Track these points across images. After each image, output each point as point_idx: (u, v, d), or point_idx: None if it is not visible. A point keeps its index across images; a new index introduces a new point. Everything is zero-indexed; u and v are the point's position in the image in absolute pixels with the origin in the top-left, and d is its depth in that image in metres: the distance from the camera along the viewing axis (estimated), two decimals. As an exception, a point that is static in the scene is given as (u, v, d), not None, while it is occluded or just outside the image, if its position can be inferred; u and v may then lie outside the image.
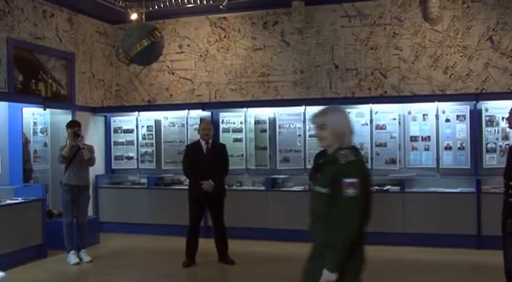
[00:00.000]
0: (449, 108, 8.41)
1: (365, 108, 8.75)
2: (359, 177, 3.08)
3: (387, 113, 8.67)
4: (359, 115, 8.78)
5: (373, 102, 8.75)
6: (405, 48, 9.23)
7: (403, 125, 8.60)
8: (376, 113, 8.69)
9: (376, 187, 8.37)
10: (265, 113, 9.30)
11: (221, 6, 9.27)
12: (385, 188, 8.40)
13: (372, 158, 8.57)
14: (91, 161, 7.67)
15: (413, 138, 8.56)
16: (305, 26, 9.64)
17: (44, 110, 8.40)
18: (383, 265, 6.99)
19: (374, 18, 9.38)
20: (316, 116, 3.32)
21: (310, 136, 8.94)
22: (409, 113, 8.60)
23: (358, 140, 8.55)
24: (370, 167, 8.21)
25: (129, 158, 10.00)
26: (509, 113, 4.88)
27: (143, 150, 9.95)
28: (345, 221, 3.05)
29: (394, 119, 8.60)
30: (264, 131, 9.26)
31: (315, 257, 3.28)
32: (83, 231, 7.56)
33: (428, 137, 8.48)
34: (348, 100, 9.18)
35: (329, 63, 9.63)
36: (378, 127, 8.68)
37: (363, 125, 8.73)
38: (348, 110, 8.51)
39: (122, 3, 9.48)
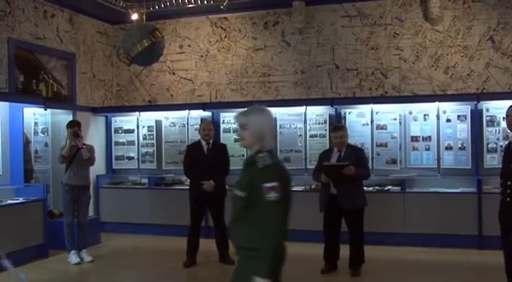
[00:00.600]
0: (450, 108, 8.41)
1: (366, 108, 8.75)
2: (278, 181, 3.02)
3: (388, 113, 8.67)
4: (360, 115, 8.78)
5: (373, 102, 8.74)
6: (406, 48, 9.22)
7: (404, 125, 8.59)
8: (376, 113, 8.69)
9: (377, 187, 8.39)
10: (266, 113, 9.26)
11: (222, 7, 9.27)
12: (385, 188, 8.40)
13: (372, 158, 8.55)
14: (90, 161, 7.67)
15: (414, 138, 8.55)
16: (305, 26, 9.64)
17: (45, 110, 8.41)
18: (384, 265, 7.00)
19: (375, 18, 9.38)
20: (239, 115, 3.24)
21: (311, 136, 8.96)
22: (410, 113, 8.59)
23: (359, 140, 8.56)
24: (370, 167, 8.19)
25: (130, 158, 10.00)
26: (506, 114, 4.87)
27: (144, 150, 9.95)
28: (273, 226, 2.99)
29: (395, 119, 8.60)
30: (265, 131, 9.22)
31: (238, 260, 3.22)
32: (83, 231, 7.56)
33: (429, 137, 8.48)
34: (349, 100, 9.18)
35: (330, 63, 9.63)
36: (379, 127, 8.67)
37: (363, 125, 8.74)
38: (348, 110, 8.68)
39: (123, 3, 9.49)
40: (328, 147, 7.36)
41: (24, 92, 8.74)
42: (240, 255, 3.18)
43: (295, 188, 8.81)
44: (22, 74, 8.76)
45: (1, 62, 8.23)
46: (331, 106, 8.85)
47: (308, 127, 9.00)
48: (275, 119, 9.17)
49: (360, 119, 8.78)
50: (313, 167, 7.20)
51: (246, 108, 3.24)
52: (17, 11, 8.56)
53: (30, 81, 8.94)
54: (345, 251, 6.56)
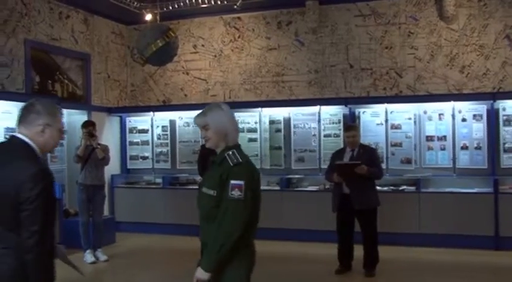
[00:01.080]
0: (466, 108, 8.33)
1: (380, 108, 8.71)
2: (246, 180, 3.00)
3: (402, 112, 8.61)
4: (374, 115, 8.75)
5: (388, 102, 8.70)
6: (420, 47, 9.16)
7: (419, 125, 8.54)
8: (391, 112, 8.64)
9: (392, 187, 8.34)
10: (279, 113, 9.29)
11: (235, 6, 9.27)
12: (400, 188, 8.35)
13: (387, 158, 8.52)
14: (105, 160, 7.72)
15: (429, 138, 8.49)
16: (319, 25, 9.62)
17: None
18: (398, 266, 6.97)
19: (389, 17, 9.33)
20: (197, 117, 3.24)
21: (325, 136, 8.93)
22: (425, 112, 8.53)
23: (373, 140, 8.53)
24: (384, 167, 8.16)
25: (145, 158, 10.04)
26: None
27: (158, 150, 9.99)
28: (227, 223, 2.96)
29: (410, 119, 8.55)
30: (279, 130, 9.25)
31: None
32: (99, 231, 7.60)
33: (444, 136, 8.41)
34: (363, 100, 9.14)
35: (344, 63, 9.59)
36: (393, 127, 8.62)
37: (378, 124, 8.69)
38: (363, 110, 8.64)
39: (137, 4, 9.52)
40: (342, 146, 7.34)
41: (40, 92, 8.81)
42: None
43: (309, 188, 8.83)
44: (38, 75, 8.84)
45: (18, 63, 8.30)
46: (345, 106, 8.82)
47: (322, 127, 8.97)
48: (289, 119, 9.17)
49: (374, 118, 8.74)
50: (327, 166, 7.18)
51: (203, 109, 3.24)
52: (33, 13, 8.63)
53: (46, 82, 9.01)
54: (359, 251, 6.53)
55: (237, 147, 3.15)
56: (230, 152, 3.09)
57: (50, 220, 2.72)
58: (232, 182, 2.97)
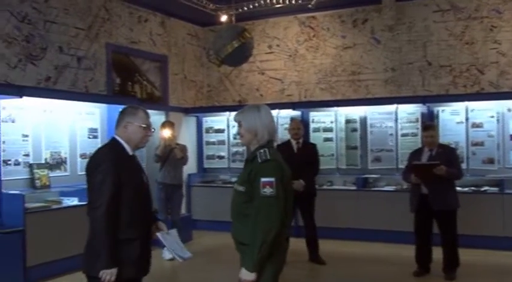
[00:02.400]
0: (553, 105, 7.94)
1: (460, 106, 8.43)
2: (276, 176, 3.05)
3: (484, 110, 8.29)
4: (454, 113, 8.48)
5: (468, 100, 8.39)
6: (504, 41, 8.79)
7: (502, 123, 8.19)
8: (472, 110, 8.34)
9: (473, 188, 8.05)
10: (355, 112, 9.18)
11: (310, 6, 9.23)
12: (482, 189, 8.04)
13: (467, 158, 8.24)
14: (184, 160, 7.89)
15: (513, 137, 8.15)
16: (396, 22, 9.43)
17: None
18: (480, 270, 6.72)
19: (469, 11, 9.01)
20: (236, 114, 3.41)
21: (402, 135, 8.75)
22: (509, 110, 8.17)
23: (453, 139, 8.28)
24: (465, 167, 7.90)
25: (221, 157, 10.19)
26: None
27: (234, 149, 10.10)
28: (263, 221, 3.01)
29: (492, 117, 8.22)
30: (355, 130, 9.15)
31: (240, 256, 3.27)
32: (176, 229, 7.76)
33: (530, 135, 8.05)
34: (442, 98, 8.86)
35: (421, 60, 9.35)
36: (474, 125, 8.32)
37: (457, 123, 8.42)
38: (442, 108, 8.38)
39: (212, 6, 9.67)
40: (420, 146, 7.16)
41: (121, 93, 9.13)
42: (240, 251, 3.26)
43: (386, 188, 8.68)
44: (119, 77, 9.16)
45: (100, 66, 8.63)
46: (423, 104, 8.60)
47: (399, 126, 8.79)
48: (365, 118, 9.05)
49: (453, 117, 8.47)
50: (404, 166, 7.02)
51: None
52: (115, 17, 8.95)
53: (126, 84, 9.33)
54: (438, 253, 6.35)
55: (270, 147, 3.24)
56: (262, 150, 3.18)
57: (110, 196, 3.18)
58: (263, 179, 3.06)
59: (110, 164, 3.20)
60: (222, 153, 10.18)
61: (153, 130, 3.58)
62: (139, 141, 3.43)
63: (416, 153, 6.59)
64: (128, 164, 3.35)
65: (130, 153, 3.42)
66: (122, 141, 3.39)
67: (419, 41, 9.37)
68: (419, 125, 8.54)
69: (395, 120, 8.84)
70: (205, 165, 10.37)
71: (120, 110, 3.52)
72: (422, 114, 8.68)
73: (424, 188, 6.24)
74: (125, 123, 3.39)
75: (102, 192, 3.14)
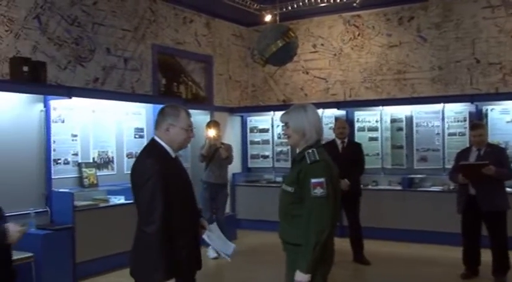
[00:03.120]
0: None
1: (510, 105, 8.23)
2: (326, 176, 3.04)
3: (536, 109, 8.08)
4: (503, 112, 8.29)
5: (519, 98, 8.19)
6: (557, 38, 8.53)
7: (555, 122, 7.96)
8: (523, 109, 8.14)
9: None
10: (401, 111, 9.08)
11: (355, 4, 9.16)
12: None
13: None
14: (229, 160, 7.95)
15: None
16: (443, 20, 9.26)
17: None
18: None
19: (520, 7, 8.78)
20: (282, 115, 3.39)
21: (449, 134, 8.61)
22: (561, 108, 7.94)
23: (503, 139, 8.09)
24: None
25: (265, 157, 10.22)
26: None
27: (278, 149, 10.13)
28: (316, 222, 3.01)
29: (545, 116, 8.00)
30: (400, 129, 9.05)
31: (286, 256, 3.29)
32: (221, 228, 7.82)
33: None
34: (491, 96, 8.65)
35: (469, 58, 9.15)
36: (525, 124, 8.11)
37: (507, 122, 8.23)
38: (491, 107, 8.19)
39: (256, 6, 9.70)
40: (468, 145, 7.02)
41: (166, 94, 9.26)
42: (287, 251, 3.28)
43: (432, 189, 8.55)
44: (164, 78, 9.29)
45: (146, 67, 8.78)
46: (471, 103, 8.43)
47: (446, 125, 8.65)
48: (411, 117, 8.94)
49: (503, 116, 8.28)
50: (451, 166, 6.90)
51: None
52: (160, 19, 9.08)
53: (171, 84, 9.46)
54: (488, 256, 6.21)
55: (318, 147, 3.23)
56: (310, 151, 3.18)
57: (161, 204, 3.05)
58: (313, 180, 3.05)
59: (158, 177, 3.04)
60: (267, 153, 10.22)
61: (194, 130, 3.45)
62: (181, 144, 3.31)
63: (463, 153, 6.46)
64: (172, 169, 3.22)
65: (173, 155, 3.29)
66: (164, 144, 3.24)
67: (467, 38, 9.17)
68: (467, 124, 8.38)
69: (442, 119, 8.71)
70: (250, 165, 10.43)
71: (160, 109, 3.37)
72: (470, 113, 8.51)
73: (471, 189, 6.11)
74: (167, 126, 3.23)
75: (154, 209, 3.02)
